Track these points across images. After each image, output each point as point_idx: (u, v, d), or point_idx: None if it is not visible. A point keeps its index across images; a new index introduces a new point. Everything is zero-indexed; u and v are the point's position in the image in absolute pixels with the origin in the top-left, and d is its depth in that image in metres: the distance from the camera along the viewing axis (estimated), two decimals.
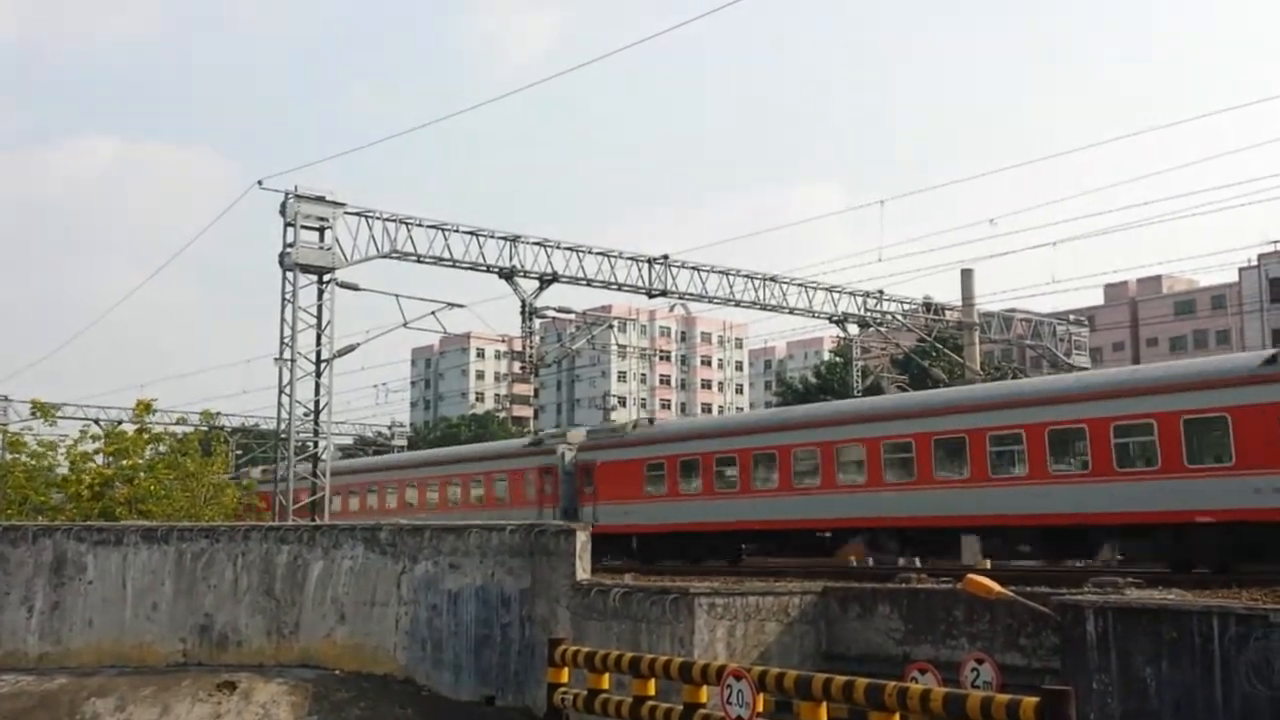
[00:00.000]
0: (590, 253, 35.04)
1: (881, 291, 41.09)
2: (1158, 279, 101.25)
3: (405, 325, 34.58)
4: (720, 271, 37.51)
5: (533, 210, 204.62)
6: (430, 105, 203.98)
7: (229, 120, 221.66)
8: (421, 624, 16.34)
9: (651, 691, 10.67)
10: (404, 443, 73.40)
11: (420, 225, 32.37)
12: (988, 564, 22.23)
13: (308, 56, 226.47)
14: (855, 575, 21.51)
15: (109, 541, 18.45)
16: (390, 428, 75.89)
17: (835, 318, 40.35)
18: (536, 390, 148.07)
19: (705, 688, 10.07)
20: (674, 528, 28.40)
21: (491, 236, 33.50)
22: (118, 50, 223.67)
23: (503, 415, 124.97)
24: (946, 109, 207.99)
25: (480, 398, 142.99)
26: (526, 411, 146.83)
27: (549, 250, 34.25)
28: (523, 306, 34.06)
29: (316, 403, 31.08)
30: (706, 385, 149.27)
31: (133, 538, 18.40)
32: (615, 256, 35.53)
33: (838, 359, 70.41)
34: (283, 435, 30.38)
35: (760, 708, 9.26)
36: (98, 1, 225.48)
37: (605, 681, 11.27)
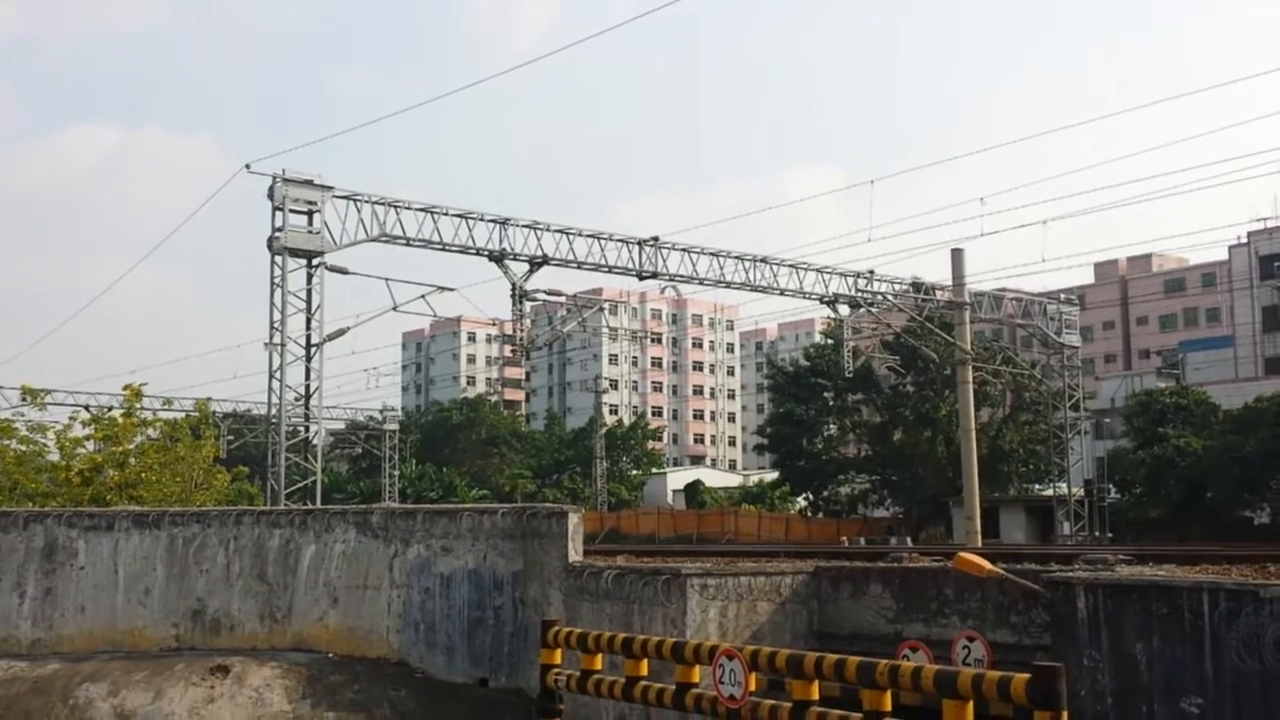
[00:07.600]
0: (580, 235, 34.90)
1: (872, 272, 40.95)
2: (1148, 257, 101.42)
3: (395, 309, 34.55)
4: (711, 253, 37.38)
5: (524, 194, 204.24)
6: (422, 89, 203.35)
7: (226, 105, 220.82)
8: (414, 607, 16.31)
9: (644, 672, 10.67)
10: (395, 427, 73.30)
11: (409, 208, 32.23)
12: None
13: (300, 41, 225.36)
14: (847, 555, 21.57)
15: (100, 527, 18.37)
16: (382, 412, 75.82)
17: (826, 299, 40.20)
18: (528, 374, 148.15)
19: (698, 667, 10.07)
20: None
21: (481, 219, 33.36)
22: (115, 37, 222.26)
23: (494, 399, 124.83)
24: (936, 88, 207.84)
25: (472, 381, 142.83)
26: (518, 395, 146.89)
27: (539, 233, 34.12)
28: (513, 289, 33.95)
29: (307, 387, 31.03)
30: (698, 367, 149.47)
31: (124, 523, 18.31)
32: (605, 239, 35.40)
33: (828, 340, 70.46)
34: (274, 420, 30.34)
35: (753, 686, 9.27)
36: None
37: (598, 662, 11.27)
